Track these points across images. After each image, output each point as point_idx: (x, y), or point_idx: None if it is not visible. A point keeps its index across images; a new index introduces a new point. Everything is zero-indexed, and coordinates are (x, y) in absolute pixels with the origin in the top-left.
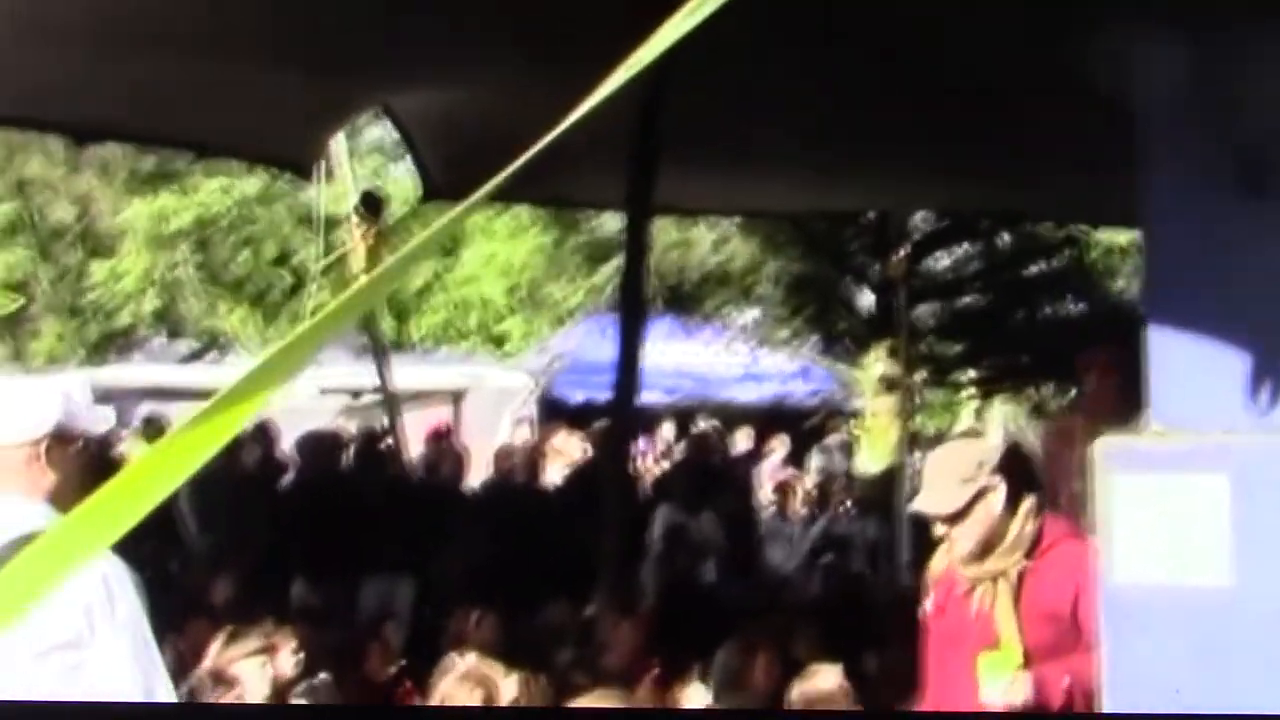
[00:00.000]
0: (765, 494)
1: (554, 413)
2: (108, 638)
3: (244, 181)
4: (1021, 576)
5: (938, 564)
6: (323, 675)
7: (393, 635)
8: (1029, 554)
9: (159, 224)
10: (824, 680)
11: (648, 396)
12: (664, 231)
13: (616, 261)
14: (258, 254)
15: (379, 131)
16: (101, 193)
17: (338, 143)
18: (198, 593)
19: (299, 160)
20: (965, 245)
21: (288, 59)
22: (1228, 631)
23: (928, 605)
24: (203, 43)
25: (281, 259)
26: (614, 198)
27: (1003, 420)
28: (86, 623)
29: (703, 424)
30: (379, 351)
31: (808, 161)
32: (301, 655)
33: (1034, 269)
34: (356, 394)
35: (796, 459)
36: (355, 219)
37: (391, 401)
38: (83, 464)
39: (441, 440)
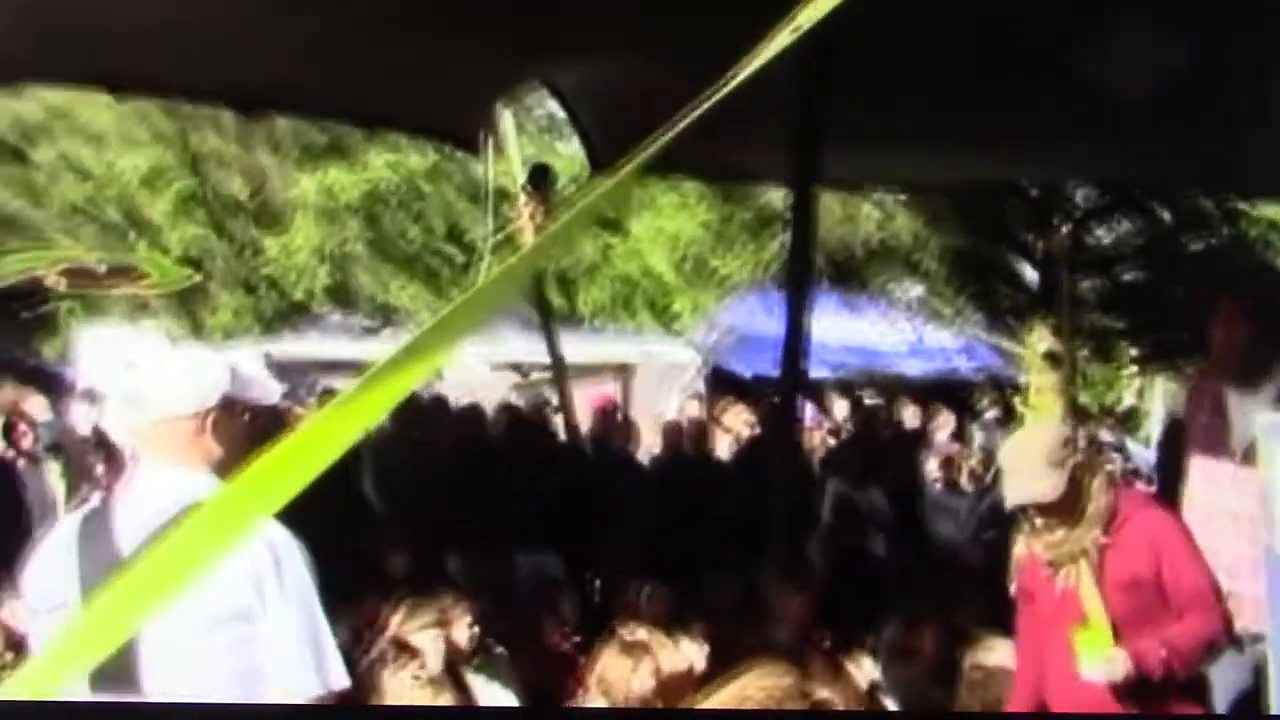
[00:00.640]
0: (931, 468)
1: (722, 387)
2: (277, 610)
3: (412, 157)
4: (1103, 552)
5: (1019, 549)
6: (498, 649)
7: (564, 608)
8: (1106, 529)
9: (329, 199)
10: (995, 655)
11: (815, 371)
12: (829, 207)
13: (782, 236)
14: (428, 230)
15: (546, 107)
16: (273, 168)
17: (505, 118)
18: (375, 564)
19: (467, 134)
20: (1126, 219)
21: (453, 33)
22: None
23: (1015, 589)
24: (370, 17)
25: (452, 234)
26: (779, 172)
27: (1163, 396)
28: (256, 594)
29: (869, 399)
30: (547, 327)
31: (970, 135)
32: (476, 629)
33: (1195, 243)
34: (526, 370)
35: (961, 433)
36: (524, 194)
37: (560, 377)
38: (251, 436)
39: (609, 415)
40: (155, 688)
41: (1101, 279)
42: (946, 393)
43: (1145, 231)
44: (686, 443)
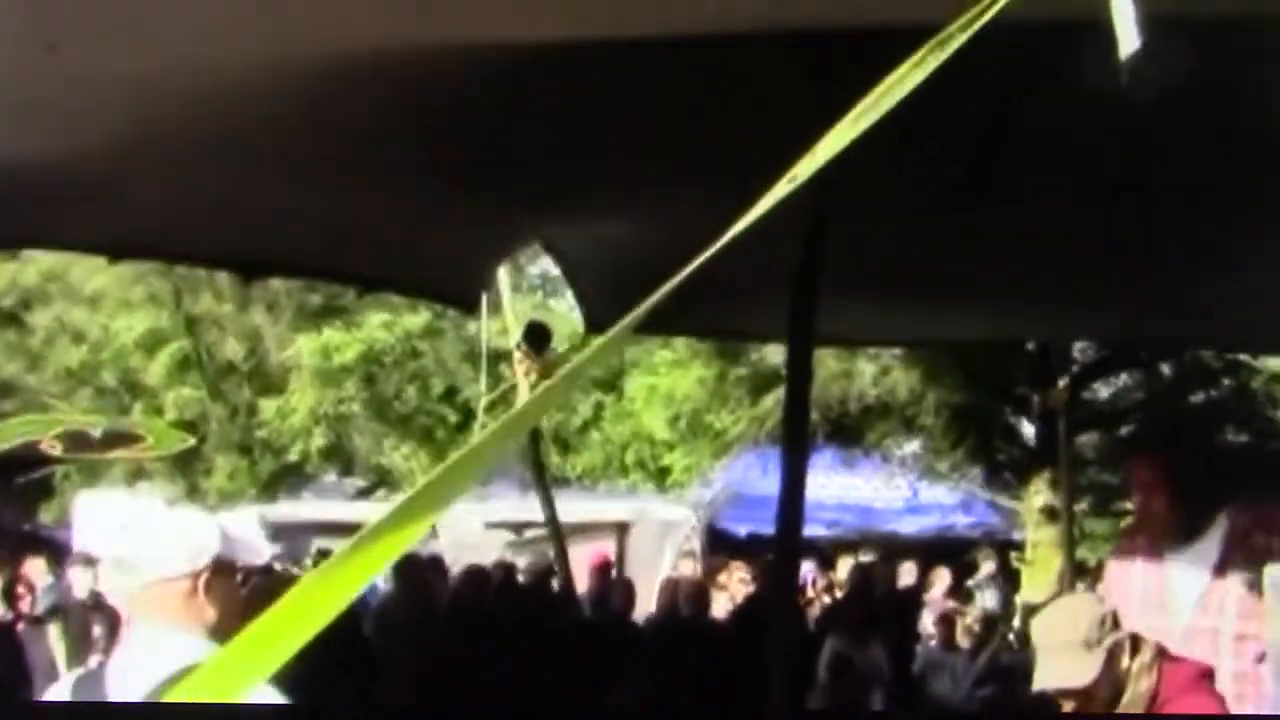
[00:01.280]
0: (928, 626)
1: (718, 545)
2: None
3: (408, 317)
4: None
5: None
6: None
7: None
8: (1148, 708)
9: (325, 359)
10: None
11: (811, 529)
12: (825, 363)
13: (778, 393)
14: (424, 389)
15: (541, 266)
16: (269, 329)
17: (501, 277)
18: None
19: (463, 295)
20: (1126, 375)
21: (451, 195)
22: None
23: None
24: (368, 179)
25: (448, 394)
26: (775, 329)
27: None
28: None
29: (866, 556)
30: (543, 485)
31: (969, 292)
32: None
33: (1195, 398)
34: (521, 528)
35: (959, 591)
36: (519, 353)
37: (556, 535)
38: (243, 598)
39: (605, 573)
40: None
41: (1100, 433)
42: (944, 550)
43: (1145, 385)
44: (683, 602)
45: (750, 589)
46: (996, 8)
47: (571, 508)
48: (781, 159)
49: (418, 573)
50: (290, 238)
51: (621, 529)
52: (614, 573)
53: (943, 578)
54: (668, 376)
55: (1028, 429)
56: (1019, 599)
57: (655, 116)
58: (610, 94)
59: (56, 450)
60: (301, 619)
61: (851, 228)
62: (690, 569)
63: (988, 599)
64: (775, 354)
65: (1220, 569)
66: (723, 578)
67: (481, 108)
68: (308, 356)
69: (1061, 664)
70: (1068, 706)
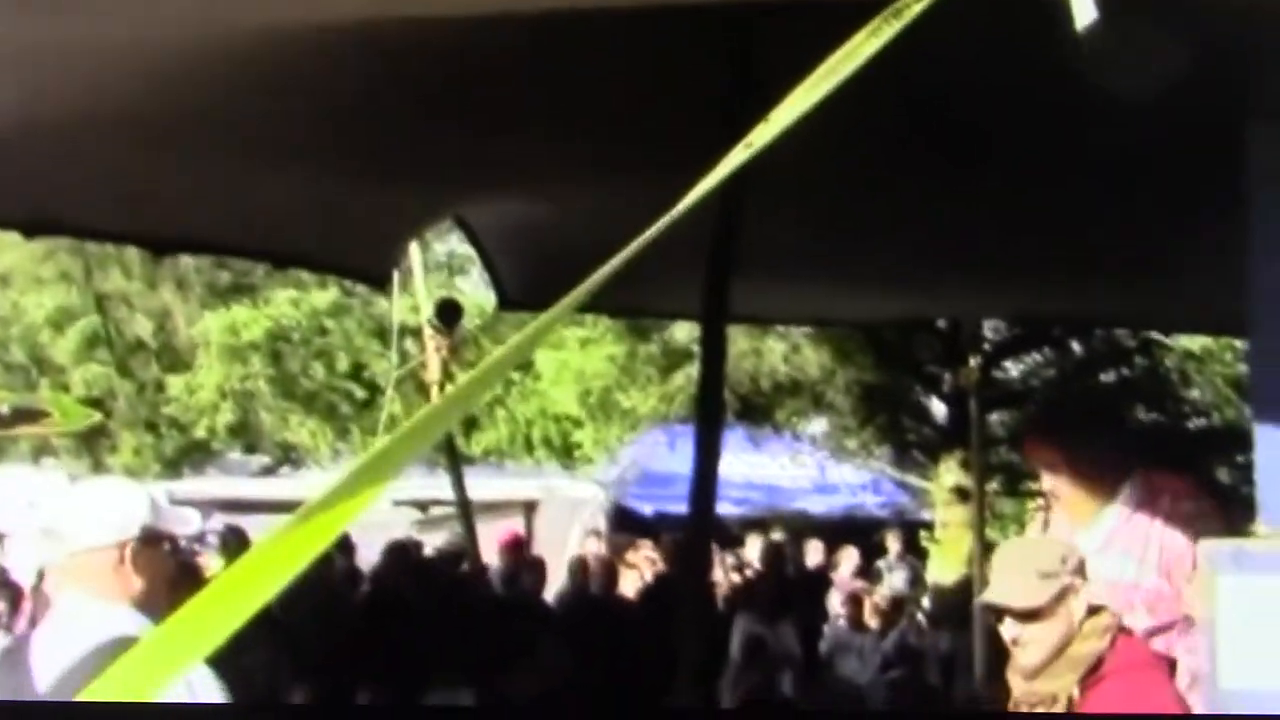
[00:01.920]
0: (837, 606)
1: (624, 523)
2: None
3: (316, 294)
4: (1069, 705)
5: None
6: None
7: None
8: (1083, 679)
9: (233, 336)
10: None
11: (719, 507)
12: (735, 340)
13: (688, 371)
14: (330, 366)
15: (451, 243)
16: (177, 306)
17: (412, 254)
18: (275, 702)
19: (374, 271)
20: (1037, 353)
21: (362, 172)
22: None
23: None
24: (278, 156)
25: (354, 371)
26: (686, 307)
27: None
28: None
29: (774, 535)
30: (451, 463)
31: (878, 270)
32: None
33: (1107, 376)
34: (428, 506)
35: (867, 570)
36: (430, 330)
37: (465, 513)
38: (168, 568)
39: (514, 551)
40: None
41: (1012, 413)
42: (852, 529)
43: (1057, 364)
44: (593, 580)
45: (659, 567)
46: None
47: (480, 485)
48: (699, 135)
49: (324, 551)
50: (200, 215)
51: (530, 507)
52: (524, 550)
53: (851, 557)
54: (578, 353)
55: (938, 408)
56: (928, 579)
57: (569, 92)
58: (524, 69)
59: None
60: (235, 601)
61: (762, 206)
62: (596, 547)
63: (896, 579)
64: (684, 332)
65: (1125, 539)
66: (630, 556)
67: (392, 83)
68: (216, 333)
69: (1012, 585)
70: (1006, 628)
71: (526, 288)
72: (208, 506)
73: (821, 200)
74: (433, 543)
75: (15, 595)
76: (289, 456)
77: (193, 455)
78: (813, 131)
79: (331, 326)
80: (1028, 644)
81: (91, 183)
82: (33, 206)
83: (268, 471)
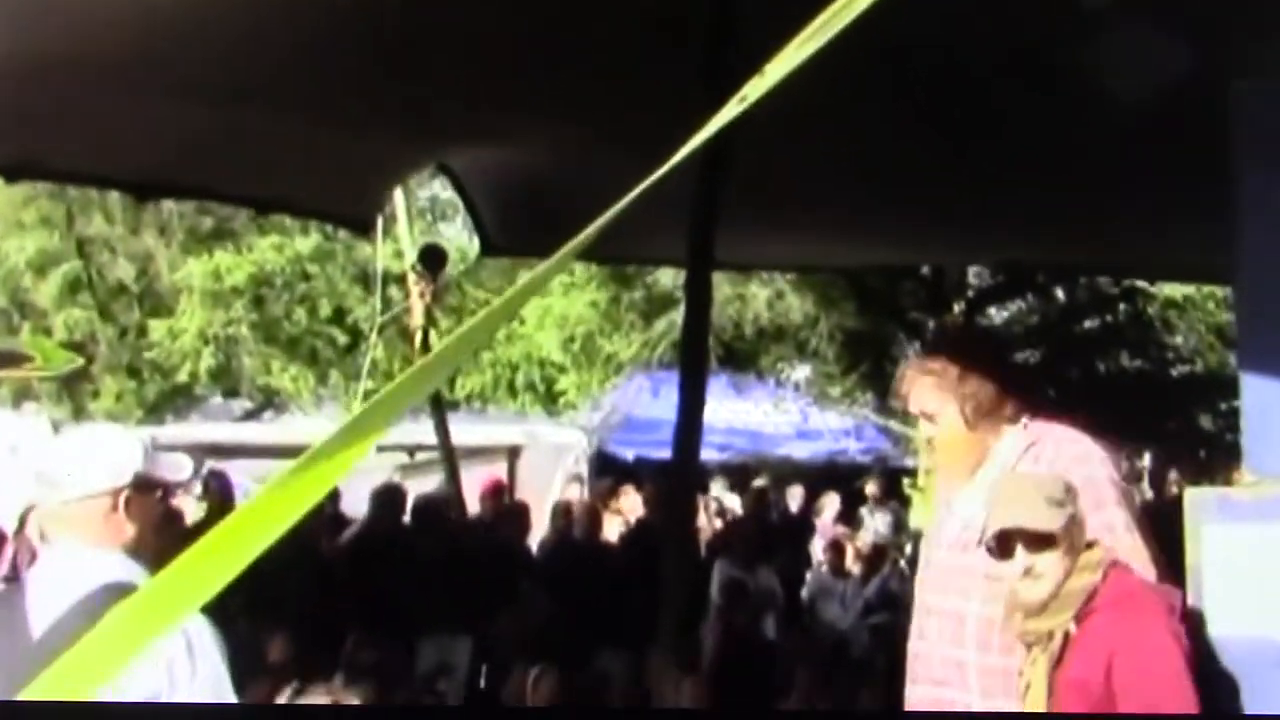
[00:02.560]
0: (818, 552)
1: (606, 469)
2: (187, 692)
3: (299, 240)
4: (1066, 641)
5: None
6: None
7: (451, 691)
8: (1077, 614)
9: (216, 281)
10: None
11: (702, 453)
12: (719, 287)
13: (671, 316)
14: (313, 311)
15: (434, 189)
16: (160, 251)
17: (396, 200)
18: (260, 648)
19: (358, 217)
20: (1020, 300)
21: (346, 118)
22: None
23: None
24: (262, 101)
25: (336, 316)
26: (670, 253)
27: None
28: (167, 678)
29: (757, 481)
30: (436, 408)
31: (863, 217)
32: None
33: (1089, 324)
34: (414, 451)
35: (849, 516)
36: (413, 275)
37: (449, 458)
38: (159, 515)
39: (497, 497)
40: None
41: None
42: (835, 475)
43: (1039, 311)
44: (575, 525)
45: (641, 513)
46: None
47: (464, 430)
48: (683, 83)
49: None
50: (183, 160)
51: (514, 452)
52: (507, 496)
53: (833, 503)
54: (561, 299)
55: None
56: (910, 525)
57: (554, 41)
58: (508, 19)
59: None
60: (235, 549)
61: (747, 153)
62: (577, 492)
63: (878, 525)
64: (667, 278)
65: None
66: (613, 501)
67: (378, 31)
68: (198, 279)
69: (1025, 511)
70: (1017, 560)
71: (509, 234)
72: (190, 451)
73: (807, 148)
74: (418, 488)
75: None
76: (271, 401)
77: (175, 400)
78: (799, 80)
79: (314, 272)
80: (1040, 575)
81: (73, 127)
82: (14, 151)
83: (250, 416)
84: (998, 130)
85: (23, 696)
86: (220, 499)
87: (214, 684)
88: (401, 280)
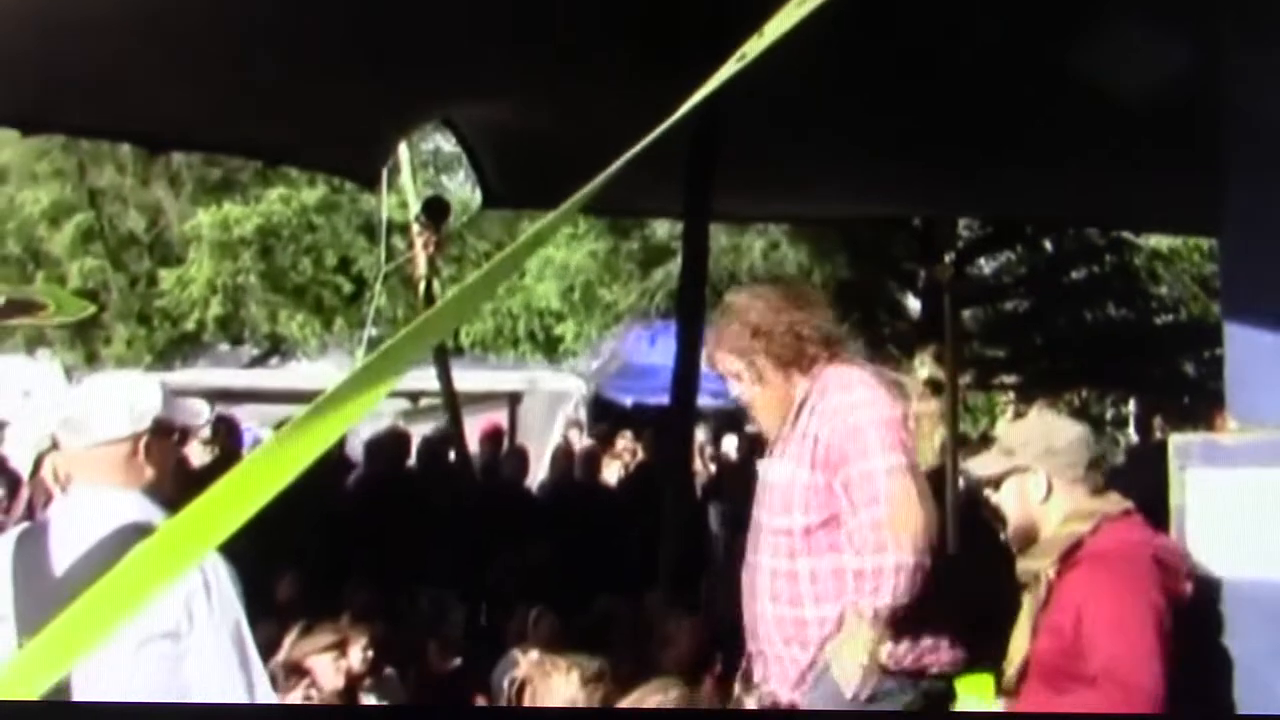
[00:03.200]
0: None
1: (604, 414)
2: (205, 631)
3: (305, 191)
4: (1050, 587)
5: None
6: (389, 671)
7: (455, 632)
8: (1060, 560)
9: (224, 232)
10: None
11: (698, 398)
12: (715, 238)
13: (668, 267)
14: (318, 261)
15: (436, 141)
16: (169, 203)
17: (401, 153)
18: (270, 588)
19: (363, 169)
20: (1009, 251)
21: (352, 72)
22: None
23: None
24: (269, 57)
25: (341, 266)
26: (668, 206)
27: None
28: (185, 614)
29: (751, 425)
30: (438, 356)
31: (855, 170)
32: (370, 652)
33: (1076, 274)
34: (417, 397)
35: None
36: (417, 226)
37: (452, 403)
38: (176, 459)
39: (496, 441)
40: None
41: (984, 308)
42: None
43: (1028, 262)
44: (576, 469)
45: (639, 458)
46: None
47: (466, 377)
48: (682, 38)
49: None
50: (192, 114)
51: (514, 399)
52: (506, 440)
53: None
54: (561, 249)
55: (913, 304)
56: None
57: None
58: None
59: None
60: (250, 492)
61: (741, 106)
62: (576, 438)
63: None
64: (665, 229)
65: (796, 437)
66: (611, 446)
67: None
68: (207, 229)
69: (983, 457)
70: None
71: (510, 186)
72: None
73: (799, 101)
74: (420, 432)
75: (14, 483)
76: (278, 348)
77: (184, 346)
78: (791, 33)
79: (320, 223)
80: (1004, 516)
81: (86, 83)
82: (28, 105)
83: (257, 362)
84: (988, 82)
85: (49, 632)
86: (228, 443)
87: (231, 623)
88: (405, 231)
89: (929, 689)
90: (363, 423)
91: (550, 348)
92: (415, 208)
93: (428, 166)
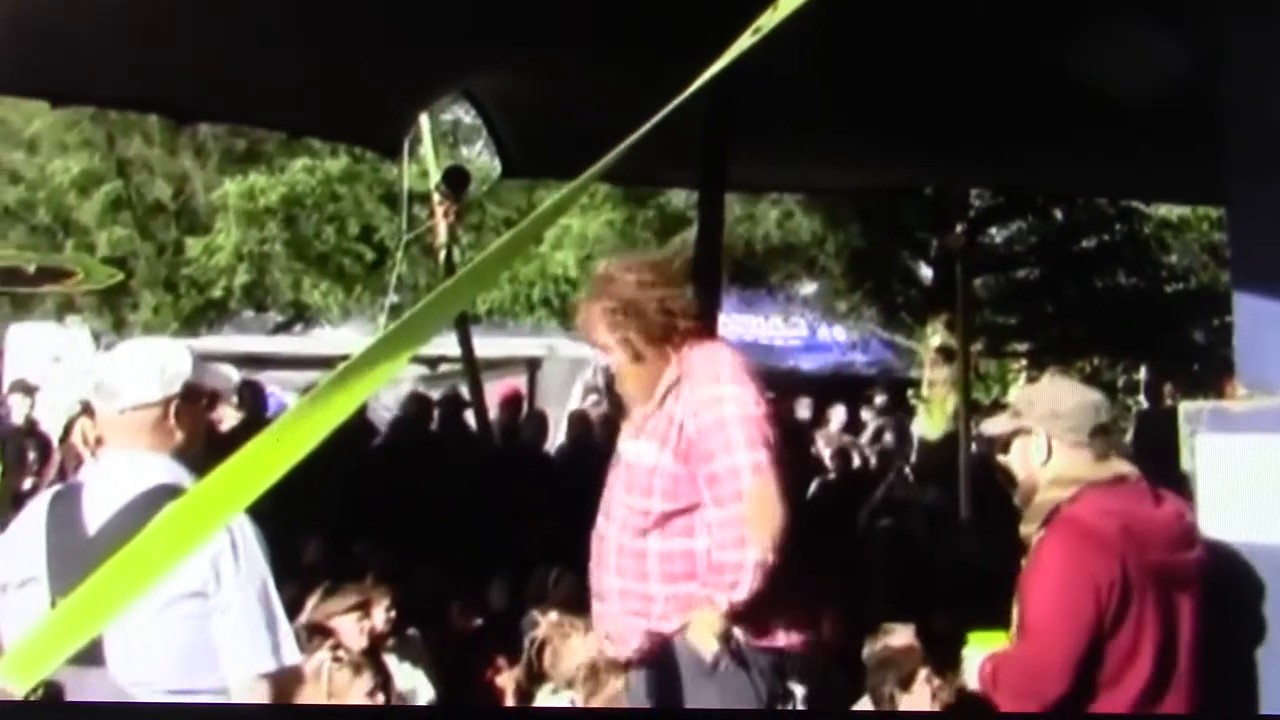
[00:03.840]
0: (826, 459)
1: None
2: (232, 590)
3: (329, 161)
4: (1036, 548)
5: None
6: (412, 631)
7: (474, 592)
8: (1044, 525)
9: (250, 201)
10: (898, 638)
11: None
12: (730, 207)
13: (684, 236)
14: (342, 230)
15: (456, 113)
16: (196, 173)
17: (421, 124)
18: (294, 550)
19: (385, 140)
20: (1021, 220)
21: (374, 44)
22: None
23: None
24: (294, 30)
25: (364, 235)
26: (684, 176)
27: None
28: (213, 573)
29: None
30: (458, 323)
31: (869, 139)
32: (393, 613)
33: (1087, 243)
34: (437, 363)
35: (854, 425)
36: (437, 195)
37: (471, 369)
38: (205, 423)
39: (515, 405)
40: (114, 663)
41: (995, 277)
42: (842, 387)
43: (1039, 231)
44: (596, 433)
45: None
46: None
47: (485, 343)
48: (696, 14)
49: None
50: (218, 86)
51: (533, 364)
52: (523, 405)
53: (839, 413)
54: (578, 218)
55: (925, 272)
56: (914, 434)
57: None
58: None
59: None
60: (281, 452)
61: (757, 77)
62: (595, 402)
63: (884, 434)
64: (681, 198)
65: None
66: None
67: None
68: (233, 198)
69: (994, 417)
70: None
71: (528, 156)
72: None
73: (814, 71)
74: (440, 397)
75: (45, 447)
76: (301, 315)
77: (209, 313)
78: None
79: (343, 192)
80: (1012, 477)
81: (117, 53)
82: (59, 77)
83: (281, 329)
84: (1001, 54)
85: (83, 590)
86: (253, 407)
87: (258, 582)
88: (426, 200)
89: (777, 661)
90: (386, 389)
91: (566, 315)
92: (436, 177)
93: (448, 137)
